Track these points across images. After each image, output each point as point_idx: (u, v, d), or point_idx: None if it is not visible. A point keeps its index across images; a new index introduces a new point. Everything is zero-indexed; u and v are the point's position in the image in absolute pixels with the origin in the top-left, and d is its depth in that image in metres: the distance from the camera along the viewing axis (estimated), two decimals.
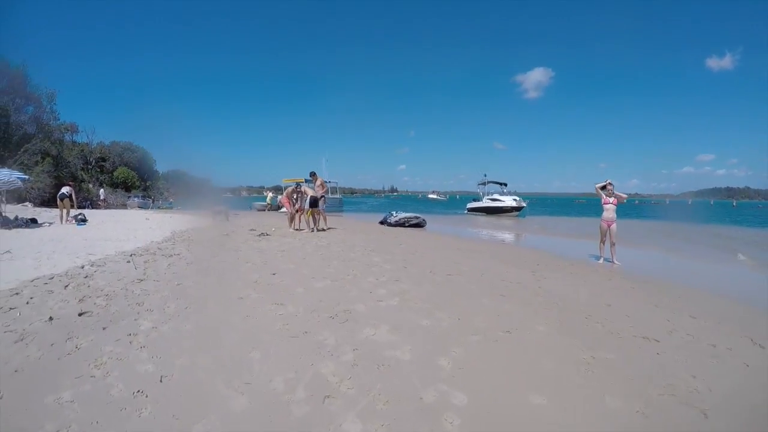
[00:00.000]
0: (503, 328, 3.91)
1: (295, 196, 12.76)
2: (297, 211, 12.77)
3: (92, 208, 28.63)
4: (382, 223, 18.10)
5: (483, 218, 29.35)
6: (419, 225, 17.42)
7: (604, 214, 9.09)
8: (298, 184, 12.92)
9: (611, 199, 9.05)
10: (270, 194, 33.28)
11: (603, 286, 6.29)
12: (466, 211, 34.53)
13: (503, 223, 24.30)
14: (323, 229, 12.84)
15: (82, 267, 5.92)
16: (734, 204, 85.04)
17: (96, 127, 64.00)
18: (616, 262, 8.72)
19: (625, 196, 9.25)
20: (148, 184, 70.65)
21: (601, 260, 8.96)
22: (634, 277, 7.32)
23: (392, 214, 17.92)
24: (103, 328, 3.49)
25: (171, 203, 41.15)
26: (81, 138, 53.98)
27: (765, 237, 17.61)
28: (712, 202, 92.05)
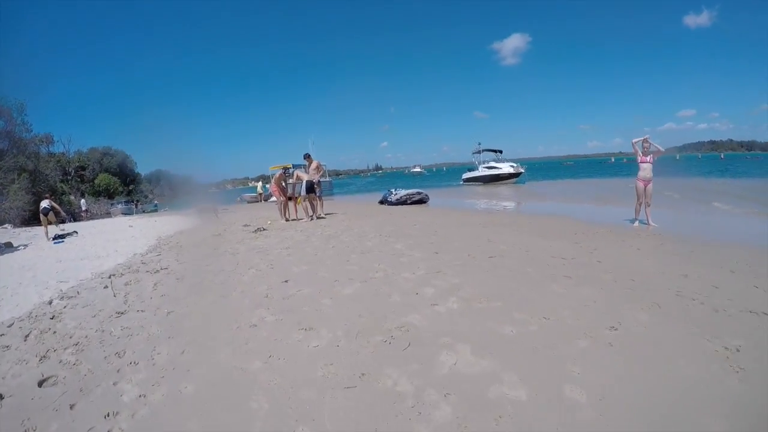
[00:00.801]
0: (604, 324, 3.03)
1: (283, 183, 11.55)
2: (289, 199, 11.59)
3: (74, 220, 27.33)
4: (381, 202, 16.99)
5: (481, 188, 28.39)
6: (422, 201, 16.35)
7: (640, 173, 8.28)
8: (286, 169, 11.69)
9: (648, 157, 8.25)
10: (260, 183, 31.70)
11: (661, 253, 5.50)
12: (461, 182, 33.51)
13: (506, 192, 23.41)
14: (322, 216, 11.72)
15: (50, 302, 4.75)
16: (722, 156, 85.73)
17: (72, 134, 61.62)
18: (652, 223, 8.00)
19: (663, 149, 8.27)
20: (131, 188, 68.76)
21: (636, 223, 8.26)
22: (682, 238, 6.53)
23: (392, 192, 16.80)
24: (71, 407, 2.40)
25: (156, 205, 39.43)
26: (57, 148, 51.79)
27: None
28: (700, 156, 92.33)
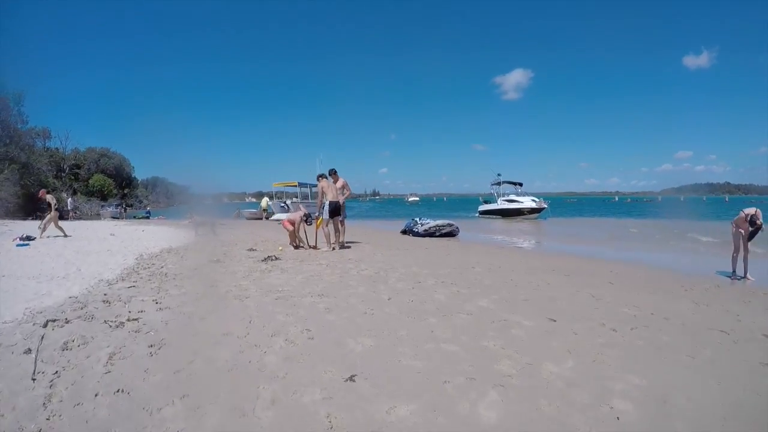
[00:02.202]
0: None
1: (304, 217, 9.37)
2: (303, 222, 9.33)
3: (60, 219, 25.17)
4: (405, 232, 14.89)
5: (501, 223, 26.36)
6: (452, 234, 14.35)
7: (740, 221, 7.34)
8: (308, 216, 9.54)
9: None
10: (265, 199, 29.27)
11: None
12: (477, 215, 31.46)
13: (532, 229, 21.37)
14: (347, 246, 9.56)
15: None
16: (726, 199, 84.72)
17: (71, 132, 60.12)
18: (750, 277, 7.03)
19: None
20: (125, 191, 66.76)
21: (736, 276, 7.27)
22: None
23: (417, 222, 14.74)
24: None
25: (148, 212, 36.97)
26: (54, 144, 50.71)
27: None
28: (704, 199, 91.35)
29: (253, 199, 34.84)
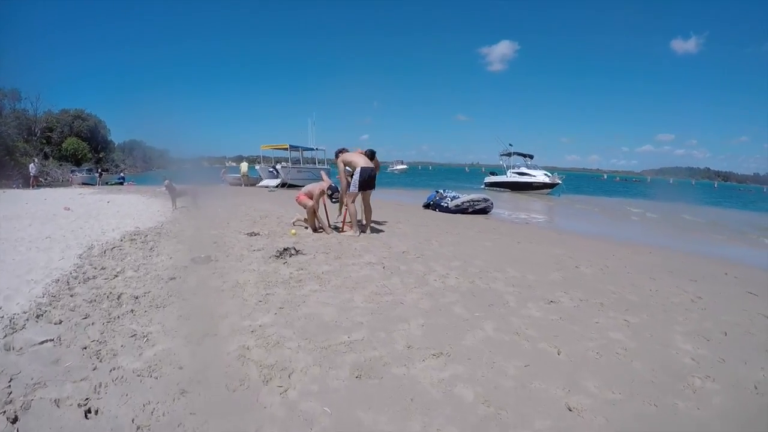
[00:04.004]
0: None
1: (328, 191, 6.83)
2: (325, 197, 6.84)
3: (23, 186, 22.53)
4: (429, 206, 12.48)
5: (509, 195, 24.18)
6: (485, 210, 12.07)
7: None
8: (334, 189, 6.94)
9: None
10: (244, 164, 26.48)
11: None
12: (483, 186, 29.15)
13: (555, 206, 19.25)
14: (379, 229, 7.16)
15: None
16: (715, 185, 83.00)
17: (42, 93, 55.56)
18: None
19: None
20: (101, 155, 62.59)
21: None
22: None
23: (445, 195, 12.31)
24: None
25: (122, 178, 33.57)
26: (25, 105, 47.35)
27: None
28: (693, 182, 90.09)
29: (233, 164, 31.79)
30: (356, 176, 6.47)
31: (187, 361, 2.38)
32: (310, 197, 6.61)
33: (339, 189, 6.95)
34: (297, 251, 4.91)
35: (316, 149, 27.89)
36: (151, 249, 5.08)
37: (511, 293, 3.87)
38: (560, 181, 25.76)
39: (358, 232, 6.51)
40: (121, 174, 40.32)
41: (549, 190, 25.95)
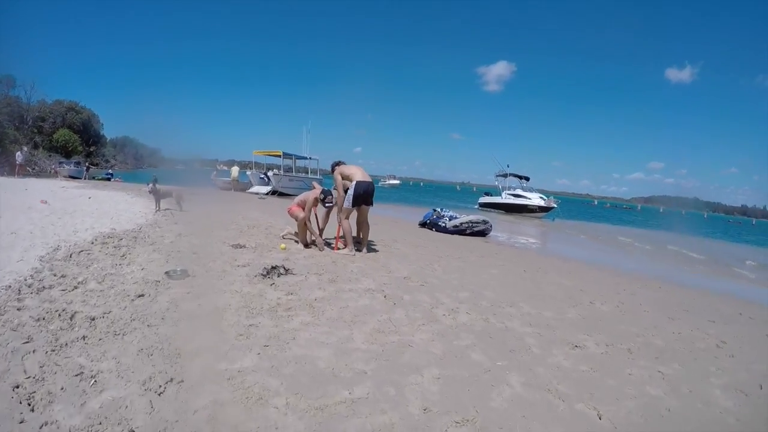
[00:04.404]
0: None
1: (324, 198, 6.24)
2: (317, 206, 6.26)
3: (8, 174, 22.09)
4: (425, 225, 12.00)
5: (503, 217, 23.86)
6: (484, 233, 11.64)
7: None
8: (326, 196, 6.32)
9: None
10: (235, 168, 25.87)
11: None
12: (477, 207, 28.81)
13: (547, 231, 18.93)
14: (374, 248, 6.65)
15: None
16: (705, 216, 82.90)
17: (38, 81, 54.53)
18: None
19: None
20: (92, 149, 61.52)
21: None
22: None
23: (442, 215, 11.85)
24: None
25: (110, 174, 32.61)
26: (18, 93, 46.83)
27: None
28: (683, 213, 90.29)
29: (225, 167, 31.08)
30: (351, 191, 5.97)
31: (141, 421, 1.84)
32: (304, 208, 6.08)
33: (332, 193, 6.35)
34: (286, 270, 4.37)
35: (310, 158, 27.39)
36: (123, 256, 4.50)
37: (531, 335, 3.41)
38: (556, 205, 25.52)
39: (353, 251, 5.99)
40: (110, 170, 39.30)
41: (544, 213, 25.68)
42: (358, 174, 6.09)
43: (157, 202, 9.22)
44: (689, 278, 8.72)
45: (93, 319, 2.83)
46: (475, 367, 2.68)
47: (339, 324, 3.14)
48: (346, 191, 6.06)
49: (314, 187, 6.48)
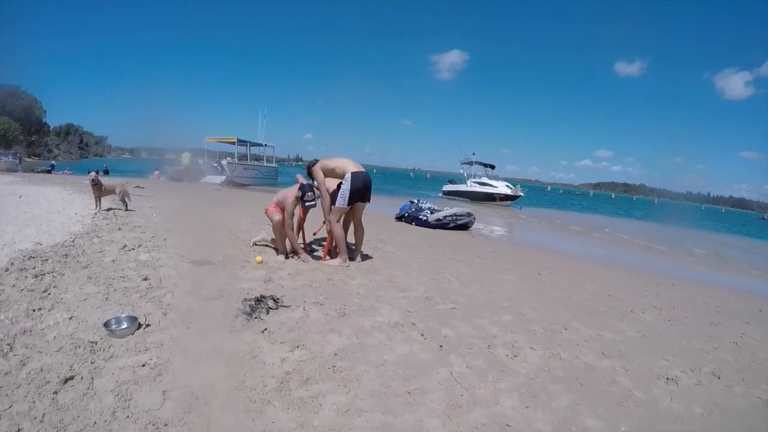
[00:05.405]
0: None
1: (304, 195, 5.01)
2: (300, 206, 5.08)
3: None
4: (401, 218, 11.12)
5: (472, 207, 23.37)
6: (466, 226, 10.93)
7: None
8: (305, 188, 5.08)
9: None
10: (186, 154, 23.89)
11: None
12: (440, 195, 28.27)
13: (523, 220, 18.64)
14: (368, 256, 5.66)
15: None
16: (655, 202, 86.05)
17: None
18: None
19: None
20: (33, 139, 56.29)
21: None
22: None
23: (421, 208, 11.00)
24: None
25: (52, 165, 29.24)
26: None
27: None
28: (634, 198, 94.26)
29: (173, 156, 28.74)
30: (346, 185, 4.90)
31: None
32: (283, 209, 4.94)
33: (313, 189, 5.17)
34: (276, 302, 3.29)
35: (266, 145, 25.84)
36: (44, 293, 3.21)
37: (618, 371, 2.80)
38: (522, 194, 25.39)
39: (347, 261, 4.96)
40: (52, 162, 35.45)
41: (510, 202, 25.47)
42: (349, 165, 5.02)
43: (98, 199, 7.73)
44: (685, 272, 8.63)
45: None
46: None
47: (391, 401, 2.13)
48: (338, 187, 5.00)
49: (298, 180, 5.29)
